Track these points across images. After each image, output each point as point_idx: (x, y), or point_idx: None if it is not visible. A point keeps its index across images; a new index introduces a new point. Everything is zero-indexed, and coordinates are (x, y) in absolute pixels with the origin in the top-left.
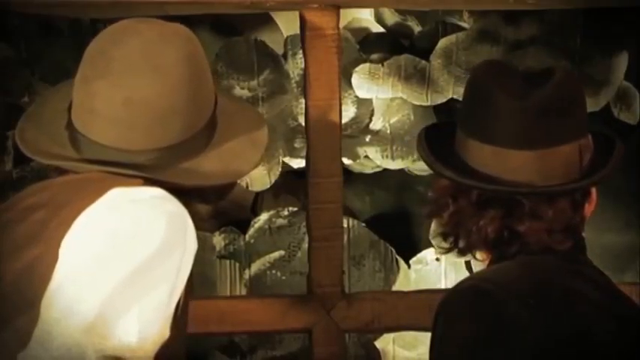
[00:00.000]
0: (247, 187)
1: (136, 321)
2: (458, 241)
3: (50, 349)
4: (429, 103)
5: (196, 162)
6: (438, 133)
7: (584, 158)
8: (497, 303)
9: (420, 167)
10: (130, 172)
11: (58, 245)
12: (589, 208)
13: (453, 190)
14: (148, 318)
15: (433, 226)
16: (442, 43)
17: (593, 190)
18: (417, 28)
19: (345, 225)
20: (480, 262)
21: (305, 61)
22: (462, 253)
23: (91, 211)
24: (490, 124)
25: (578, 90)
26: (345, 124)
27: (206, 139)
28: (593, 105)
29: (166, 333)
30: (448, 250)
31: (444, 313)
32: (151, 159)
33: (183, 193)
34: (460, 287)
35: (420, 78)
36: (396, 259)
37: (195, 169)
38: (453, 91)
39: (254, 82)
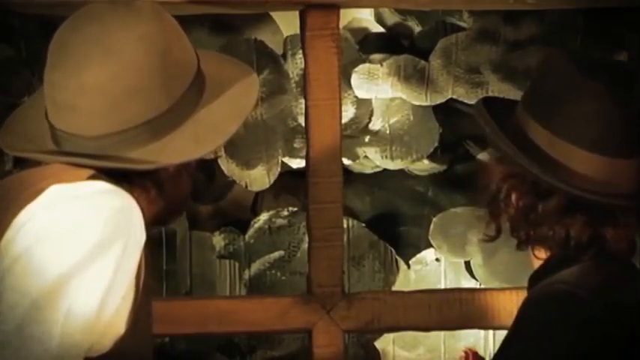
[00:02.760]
0: (246, 187)
1: (66, 318)
2: (522, 234)
3: None
4: (428, 103)
5: (169, 139)
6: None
7: None
8: (591, 312)
9: (419, 167)
10: (82, 161)
11: None
12: None
13: (538, 189)
14: (82, 313)
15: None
16: (442, 43)
17: None
18: (417, 28)
19: (345, 225)
20: (535, 257)
21: (305, 61)
22: (520, 246)
23: (29, 209)
24: (595, 132)
25: None
26: (345, 124)
27: (180, 113)
28: None
29: (120, 328)
30: (493, 239)
31: (534, 317)
32: (113, 143)
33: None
34: (553, 291)
35: (419, 78)
36: (396, 260)
37: (162, 148)
38: (453, 91)
39: None
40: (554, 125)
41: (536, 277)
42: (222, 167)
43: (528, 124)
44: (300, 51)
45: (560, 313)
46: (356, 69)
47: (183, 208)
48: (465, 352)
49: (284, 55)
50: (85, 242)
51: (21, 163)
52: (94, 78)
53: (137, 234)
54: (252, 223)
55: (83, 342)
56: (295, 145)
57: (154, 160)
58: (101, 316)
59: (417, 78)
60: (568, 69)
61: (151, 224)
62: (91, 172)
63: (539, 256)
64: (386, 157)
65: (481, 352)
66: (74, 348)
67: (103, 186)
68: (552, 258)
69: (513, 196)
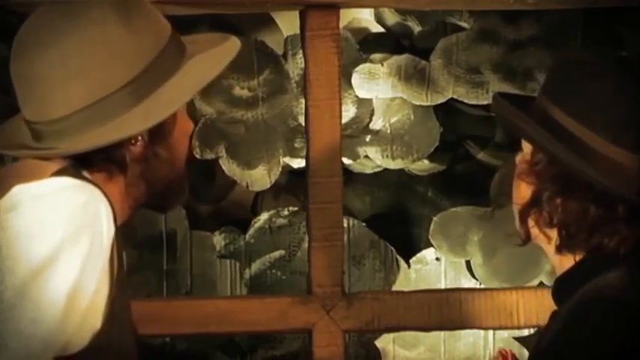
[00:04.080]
0: (248, 187)
1: (34, 316)
2: (575, 240)
3: None
4: (429, 103)
5: (153, 99)
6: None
7: None
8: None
9: (420, 167)
10: (56, 152)
11: None
12: None
13: (592, 192)
14: (50, 311)
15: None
16: (442, 43)
17: None
18: (417, 28)
19: (345, 225)
20: (559, 260)
21: (305, 61)
22: (561, 250)
23: None
24: (631, 129)
25: None
26: (345, 124)
27: (159, 74)
28: None
29: (96, 323)
30: (524, 244)
31: (587, 321)
32: (92, 115)
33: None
34: (605, 296)
35: (420, 78)
36: (396, 259)
37: (119, 125)
38: (453, 91)
39: (254, 82)
40: (592, 121)
41: (568, 280)
42: (224, 167)
43: (562, 118)
44: (301, 51)
45: (612, 318)
46: (356, 69)
47: (175, 192)
48: (501, 352)
49: (284, 55)
50: (49, 240)
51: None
52: (34, 67)
53: (104, 228)
54: (252, 222)
55: (52, 340)
56: (296, 145)
57: (144, 121)
58: (71, 313)
59: (417, 78)
60: (601, 65)
61: (139, 207)
62: (55, 167)
63: (567, 260)
64: (386, 156)
65: (481, 352)
66: (42, 345)
67: (66, 182)
68: (586, 260)
69: (562, 199)
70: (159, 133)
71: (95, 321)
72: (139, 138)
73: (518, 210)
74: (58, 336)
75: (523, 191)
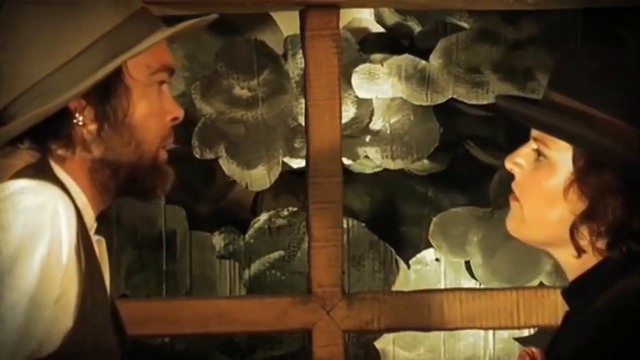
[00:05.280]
0: (247, 187)
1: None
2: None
3: None
4: (428, 103)
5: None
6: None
7: None
8: None
9: (419, 167)
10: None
11: None
12: None
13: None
14: (11, 316)
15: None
16: (442, 43)
17: None
18: (417, 28)
19: (345, 225)
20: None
21: (305, 61)
22: (611, 251)
23: None
24: None
25: None
26: (345, 124)
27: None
28: None
29: (67, 322)
30: (577, 254)
31: (625, 325)
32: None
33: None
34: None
35: (419, 78)
36: (396, 260)
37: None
38: (453, 90)
39: (254, 82)
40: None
41: (589, 281)
42: (223, 167)
43: (570, 102)
44: (300, 51)
45: None
46: (356, 69)
47: (147, 178)
48: (527, 352)
49: (284, 55)
50: (7, 246)
51: None
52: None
53: (63, 228)
54: (252, 223)
55: (19, 346)
56: (296, 145)
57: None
58: (36, 318)
59: (417, 78)
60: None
61: (117, 194)
62: (18, 166)
63: (590, 261)
64: (386, 156)
65: (481, 352)
66: (9, 351)
67: (22, 184)
68: (606, 263)
69: (619, 202)
70: (109, 114)
71: (66, 320)
72: (79, 117)
73: (570, 226)
74: (26, 341)
75: (572, 204)
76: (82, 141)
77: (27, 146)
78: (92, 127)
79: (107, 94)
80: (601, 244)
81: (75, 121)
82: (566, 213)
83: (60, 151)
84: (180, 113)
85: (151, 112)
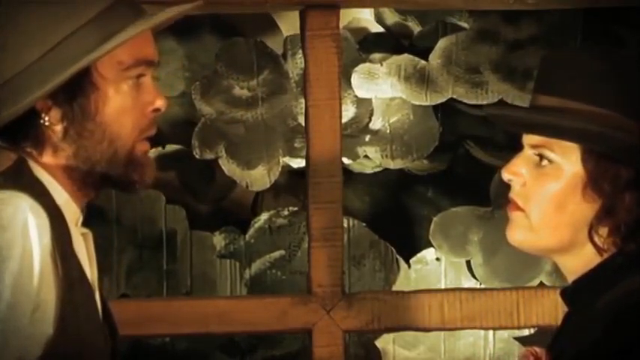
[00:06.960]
0: (247, 187)
1: None
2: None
3: None
4: (428, 103)
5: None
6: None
7: None
8: None
9: (419, 167)
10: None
11: None
12: None
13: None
14: None
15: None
16: (442, 43)
17: None
18: (417, 28)
19: (345, 225)
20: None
21: (305, 61)
22: (628, 242)
23: None
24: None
25: None
26: (345, 123)
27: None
28: None
29: (47, 329)
30: (599, 254)
31: (633, 324)
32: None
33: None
34: None
35: (419, 78)
36: (396, 259)
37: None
38: (453, 90)
39: (254, 82)
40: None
41: (591, 282)
42: (223, 167)
43: (557, 102)
44: (300, 51)
45: None
46: (356, 69)
47: (124, 171)
48: (531, 352)
49: (284, 55)
50: None
51: None
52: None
53: (34, 238)
54: (252, 222)
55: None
56: (296, 145)
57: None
58: (12, 328)
59: (417, 78)
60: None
61: (99, 187)
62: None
63: (594, 261)
64: (386, 156)
65: (481, 352)
66: None
67: None
68: (609, 262)
69: (632, 196)
70: (76, 114)
71: (46, 328)
72: (46, 118)
73: (588, 229)
74: (5, 352)
75: (586, 205)
76: (50, 141)
77: (2, 145)
78: (58, 127)
79: (73, 94)
80: (619, 240)
81: (41, 121)
82: (578, 215)
83: (32, 151)
84: (161, 104)
85: (125, 107)
